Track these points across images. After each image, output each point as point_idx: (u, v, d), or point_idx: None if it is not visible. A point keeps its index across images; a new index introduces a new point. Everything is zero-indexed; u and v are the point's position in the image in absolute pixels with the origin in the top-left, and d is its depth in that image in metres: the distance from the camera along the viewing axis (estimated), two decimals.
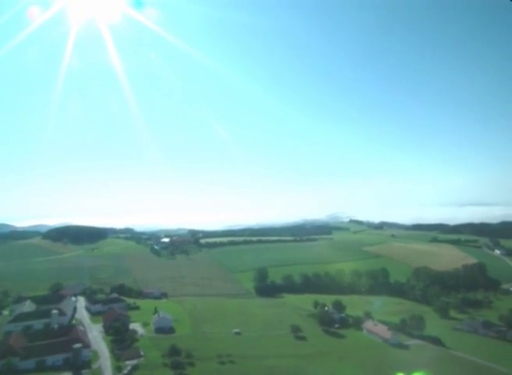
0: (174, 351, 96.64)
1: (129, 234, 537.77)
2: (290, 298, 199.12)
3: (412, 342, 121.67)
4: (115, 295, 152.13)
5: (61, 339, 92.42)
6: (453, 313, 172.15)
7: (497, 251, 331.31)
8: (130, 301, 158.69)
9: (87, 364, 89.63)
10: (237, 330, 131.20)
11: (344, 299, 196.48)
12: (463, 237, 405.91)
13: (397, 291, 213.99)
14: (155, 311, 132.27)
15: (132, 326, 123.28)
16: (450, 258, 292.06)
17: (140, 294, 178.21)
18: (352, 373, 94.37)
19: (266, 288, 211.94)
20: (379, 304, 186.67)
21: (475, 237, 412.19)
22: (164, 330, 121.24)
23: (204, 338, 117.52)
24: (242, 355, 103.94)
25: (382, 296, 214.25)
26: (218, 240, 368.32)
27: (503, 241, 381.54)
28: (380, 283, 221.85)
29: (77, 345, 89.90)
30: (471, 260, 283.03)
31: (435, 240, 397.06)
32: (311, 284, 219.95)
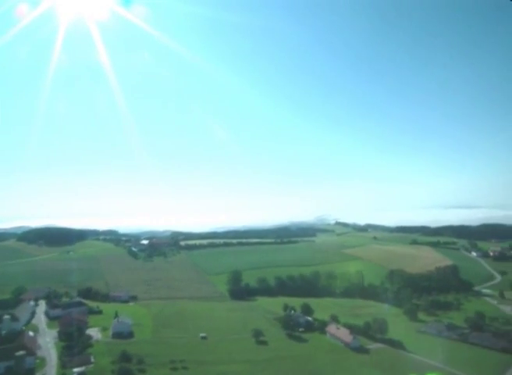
0: (124, 358, 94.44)
1: (113, 236, 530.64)
2: (263, 301, 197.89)
3: (373, 346, 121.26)
4: (77, 299, 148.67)
5: (4, 346, 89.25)
6: (422, 316, 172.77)
7: (474, 254, 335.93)
8: (95, 305, 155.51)
9: (30, 372, 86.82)
10: (203, 335, 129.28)
11: (316, 302, 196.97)
12: (442, 240, 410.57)
13: (371, 293, 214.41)
14: (116, 315, 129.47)
15: (90, 331, 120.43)
16: (427, 260, 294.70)
17: (106, 298, 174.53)
18: None
19: (240, 291, 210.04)
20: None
21: (455, 240, 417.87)
22: (122, 334, 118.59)
23: (163, 343, 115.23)
24: (197, 360, 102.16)
25: (355, 299, 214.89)
26: (198, 242, 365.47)
27: (481, 243, 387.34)
28: (354, 285, 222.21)
29: (20, 353, 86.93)
30: (448, 262, 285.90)
31: (415, 242, 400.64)
32: (286, 287, 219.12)
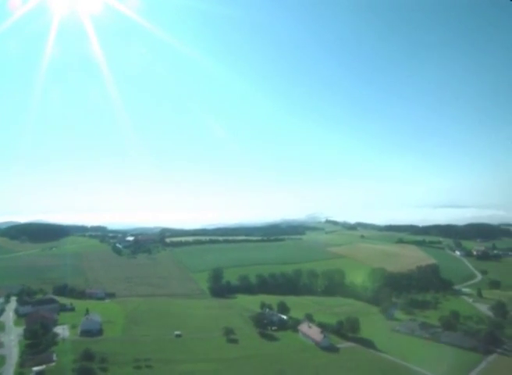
0: (87, 356, 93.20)
1: (101, 233, 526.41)
2: (242, 299, 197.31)
3: (344, 345, 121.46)
4: (49, 296, 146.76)
5: None
6: (399, 314, 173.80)
7: (458, 253, 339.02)
8: (69, 302, 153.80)
9: None
10: (178, 333, 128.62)
11: (296, 300, 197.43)
12: (428, 239, 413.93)
13: (352, 291, 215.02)
14: (86, 312, 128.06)
15: (58, 328, 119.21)
16: (410, 259, 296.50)
17: (82, 295, 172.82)
18: None
19: (220, 289, 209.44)
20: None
21: (441, 239, 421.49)
22: (91, 332, 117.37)
23: (132, 341, 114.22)
24: (163, 359, 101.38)
25: (336, 297, 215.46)
26: (183, 239, 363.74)
27: (466, 243, 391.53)
28: (336, 284, 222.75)
29: None
30: (430, 261, 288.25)
31: (401, 241, 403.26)
32: (267, 285, 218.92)
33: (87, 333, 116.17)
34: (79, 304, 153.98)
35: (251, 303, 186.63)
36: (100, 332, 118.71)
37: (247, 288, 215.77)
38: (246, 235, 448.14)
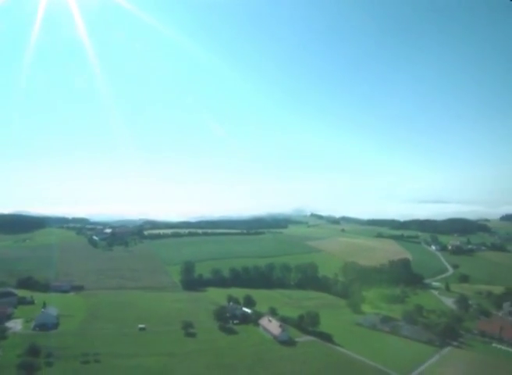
0: (32, 351, 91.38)
1: (81, 224, 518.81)
2: (213, 292, 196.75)
3: (303, 339, 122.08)
4: (6, 289, 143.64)
5: None
6: (366, 308, 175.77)
7: (433, 247, 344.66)
8: (32, 295, 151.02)
9: None
10: (142, 326, 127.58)
11: (267, 293, 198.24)
12: (407, 233, 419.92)
13: (324, 285, 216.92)
14: (44, 306, 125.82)
15: (12, 322, 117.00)
16: (386, 253, 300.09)
17: (47, 288, 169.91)
18: (218, 373, 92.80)
19: (192, 282, 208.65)
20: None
21: (419, 233, 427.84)
22: (46, 326, 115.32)
23: (86, 335, 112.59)
24: (114, 353, 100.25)
25: (308, 290, 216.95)
26: (162, 231, 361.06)
27: (443, 237, 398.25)
28: (308, 277, 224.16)
29: None
30: (405, 255, 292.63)
31: (380, 235, 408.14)
32: (240, 278, 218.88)
33: (42, 327, 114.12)
34: (41, 297, 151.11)
35: (221, 296, 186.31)
36: (55, 326, 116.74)
37: (219, 282, 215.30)
38: (229, 228, 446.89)
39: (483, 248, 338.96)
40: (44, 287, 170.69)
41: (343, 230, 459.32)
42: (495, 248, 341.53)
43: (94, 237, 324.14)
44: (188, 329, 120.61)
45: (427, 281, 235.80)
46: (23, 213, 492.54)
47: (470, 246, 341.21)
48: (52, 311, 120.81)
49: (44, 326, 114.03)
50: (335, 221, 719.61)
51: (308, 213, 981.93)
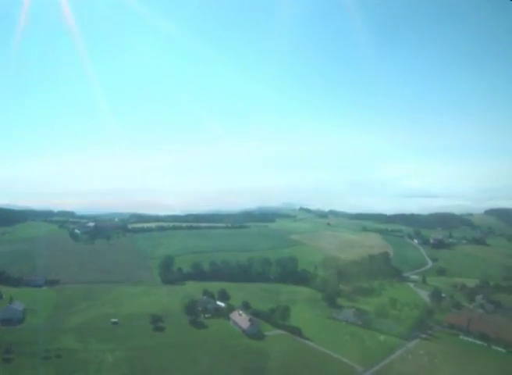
0: None
1: (67, 218, 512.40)
2: (191, 286, 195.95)
3: (272, 332, 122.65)
4: None
5: None
6: (343, 301, 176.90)
7: (415, 241, 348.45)
8: (4, 289, 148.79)
9: None
10: (115, 320, 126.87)
11: (245, 287, 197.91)
12: (391, 227, 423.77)
13: (303, 279, 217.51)
14: (10, 300, 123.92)
15: None
16: (368, 247, 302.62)
17: (20, 282, 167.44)
18: (181, 367, 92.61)
19: (171, 276, 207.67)
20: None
21: (403, 227, 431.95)
22: (11, 321, 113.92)
23: (52, 330, 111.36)
24: (76, 348, 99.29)
25: (288, 284, 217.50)
26: (146, 225, 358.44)
27: (426, 231, 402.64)
28: (288, 271, 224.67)
29: None
30: (387, 249, 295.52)
31: (364, 229, 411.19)
32: (220, 272, 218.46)
33: (7, 322, 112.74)
34: (12, 292, 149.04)
35: (198, 290, 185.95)
36: (21, 321, 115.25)
37: (199, 275, 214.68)
38: (218, 222, 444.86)
39: (464, 241, 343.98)
40: (17, 282, 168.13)
41: (328, 224, 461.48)
42: (475, 241, 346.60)
43: (76, 231, 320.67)
44: (157, 323, 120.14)
45: (406, 275, 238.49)
46: (6, 207, 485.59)
47: (451, 240, 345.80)
48: (18, 306, 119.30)
49: (8, 322, 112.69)
50: (323, 215, 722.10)
51: (296, 207, 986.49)
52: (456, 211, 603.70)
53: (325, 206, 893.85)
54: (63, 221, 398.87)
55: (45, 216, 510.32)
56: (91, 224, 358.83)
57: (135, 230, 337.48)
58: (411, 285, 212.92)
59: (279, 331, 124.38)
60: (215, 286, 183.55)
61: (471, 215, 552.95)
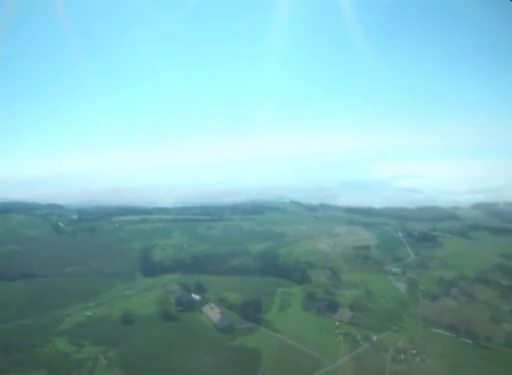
0: None
1: (55, 211, 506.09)
2: (170, 279, 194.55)
3: (243, 325, 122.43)
4: None
5: None
6: (320, 294, 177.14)
7: (400, 234, 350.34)
8: None
9: None
10: (90, 314, 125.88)
11: (224, 280, 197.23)
12: (378, 220, 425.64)
13: (283, 271, 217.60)
14: None
15: None
16: (352, 239, 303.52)
17: None
18: (146, 361, 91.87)
19: (151, 268, 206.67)
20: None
21: (389, 220, 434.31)
22: None
23: (18, 325, 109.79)
24: (38, 343, 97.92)
25: (269, 277, 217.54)
26: (131, 218, 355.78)
27: (411, 224, 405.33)
28: (269, 263, 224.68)
29: None
30: (371, 242, 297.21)
31: (350, 222, 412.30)
32: (201, 265, 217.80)
33: None
34: None
35: (176, 283, 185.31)
36: None
37: (179, 268, 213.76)
38: (206, 215, 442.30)
39: (448, 234, 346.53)
40: None
41: (316, 217, 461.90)
42: (459, 234, 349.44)
43: (60, 224, 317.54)
44: (127, 316, 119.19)
45: (387, 267, 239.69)
46: None
47: (435, 233, 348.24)
48: None
49: None
50: (313, 208, 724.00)
51: (287, 200, 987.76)
52: (444, 204, 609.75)
53: (315, 199, 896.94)
54: (47, 214, 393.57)
55: (31, 208, 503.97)
56: (75, 217, 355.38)
57: (119, 223, 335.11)
58: (391, 278, 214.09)
59: (250, 324, 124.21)
60: (193, 278, 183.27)
61: (457, 208, 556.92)
